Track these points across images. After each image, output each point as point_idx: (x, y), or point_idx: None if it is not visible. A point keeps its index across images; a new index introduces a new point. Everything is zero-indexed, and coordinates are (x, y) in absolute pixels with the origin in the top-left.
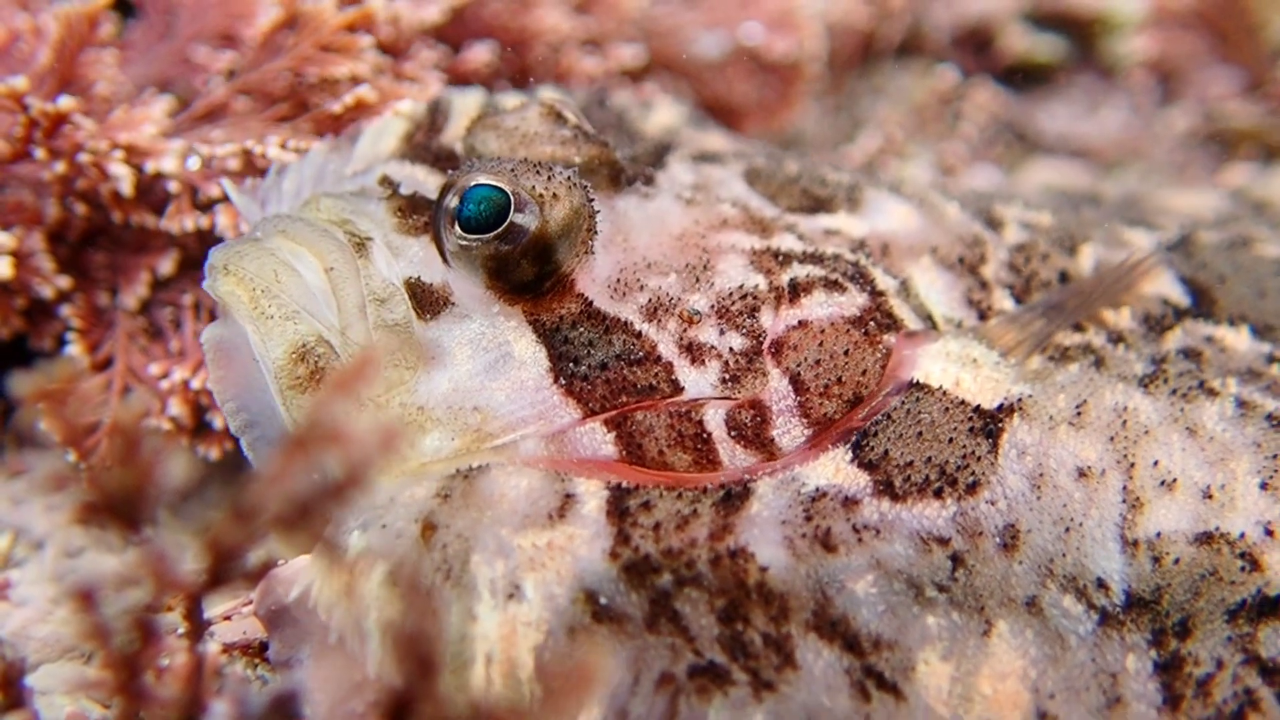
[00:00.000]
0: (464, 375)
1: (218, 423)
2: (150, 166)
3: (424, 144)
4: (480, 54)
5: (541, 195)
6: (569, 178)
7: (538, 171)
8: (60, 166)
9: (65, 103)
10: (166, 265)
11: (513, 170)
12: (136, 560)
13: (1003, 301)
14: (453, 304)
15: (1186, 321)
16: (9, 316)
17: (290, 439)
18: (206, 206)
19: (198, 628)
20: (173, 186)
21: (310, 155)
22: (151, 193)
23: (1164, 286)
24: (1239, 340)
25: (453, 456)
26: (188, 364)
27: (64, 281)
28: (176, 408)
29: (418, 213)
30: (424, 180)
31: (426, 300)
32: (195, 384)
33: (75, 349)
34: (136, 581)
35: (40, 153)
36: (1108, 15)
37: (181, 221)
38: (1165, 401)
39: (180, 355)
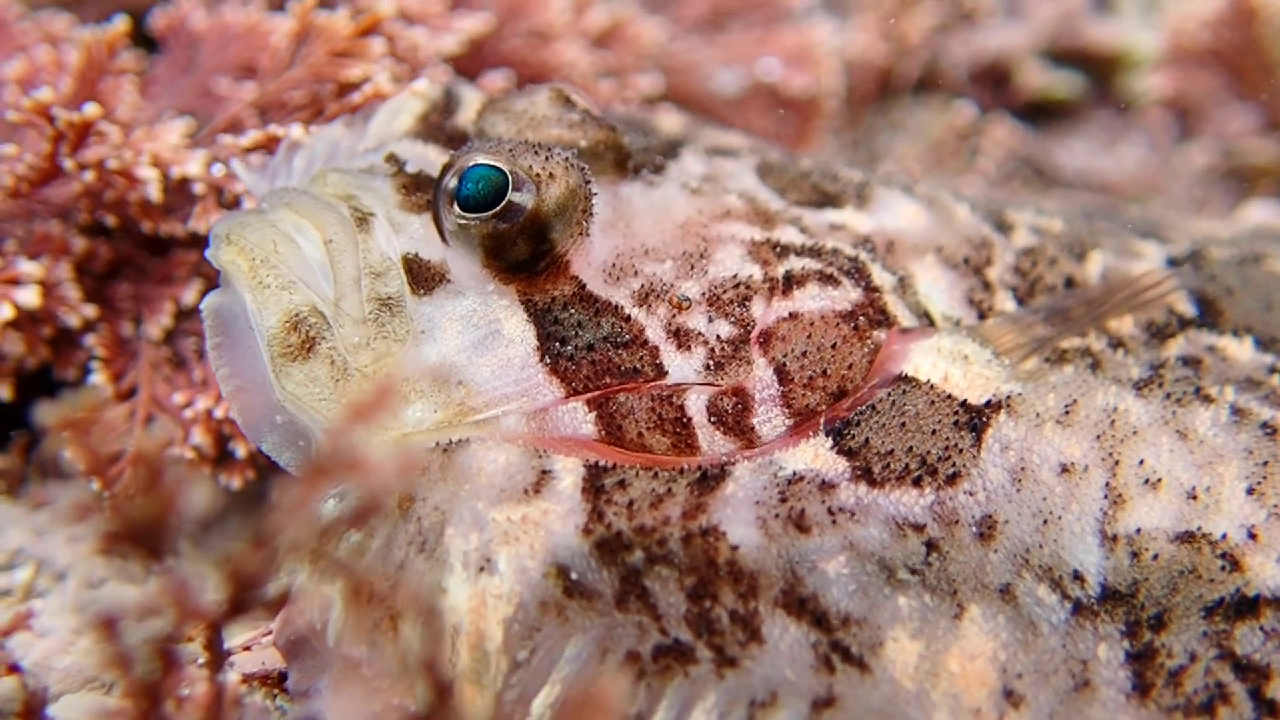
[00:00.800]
0: (452, 350)
1: (240, 451)
2: (176, 172)
3: (438, 124)
4: (495, 81)
5: (538, 175)
6: (567, 159)
7: (536, 152)
8: (89, 175)
9: (91, 110)
10: (190, 295)
11: (511, 151)
12: (158, 589)
13: (1005, 303)
14: (449, 281)
15: (1190, 331)
16: (36, 346)
17: (309, 468)
18: (233, 206)
19: (218, 657)
20: (198, 189)
21: (324, 133)
22: (177, 209)
23: (1171, 296)
24: (1241, 350)
25: (435, 429)
26: (211, 393)
27: (90, 311)
28: (199, 436)
29: (422, 191)
30: (434, 160)
31: (423, 276)
32: (219, 413)
33: (99, 378)
34: (158, 611)
35: (68, 164)
36: (1125, 53)
37: (209, 221)
38: (1158, 405)
39: (203, 384)
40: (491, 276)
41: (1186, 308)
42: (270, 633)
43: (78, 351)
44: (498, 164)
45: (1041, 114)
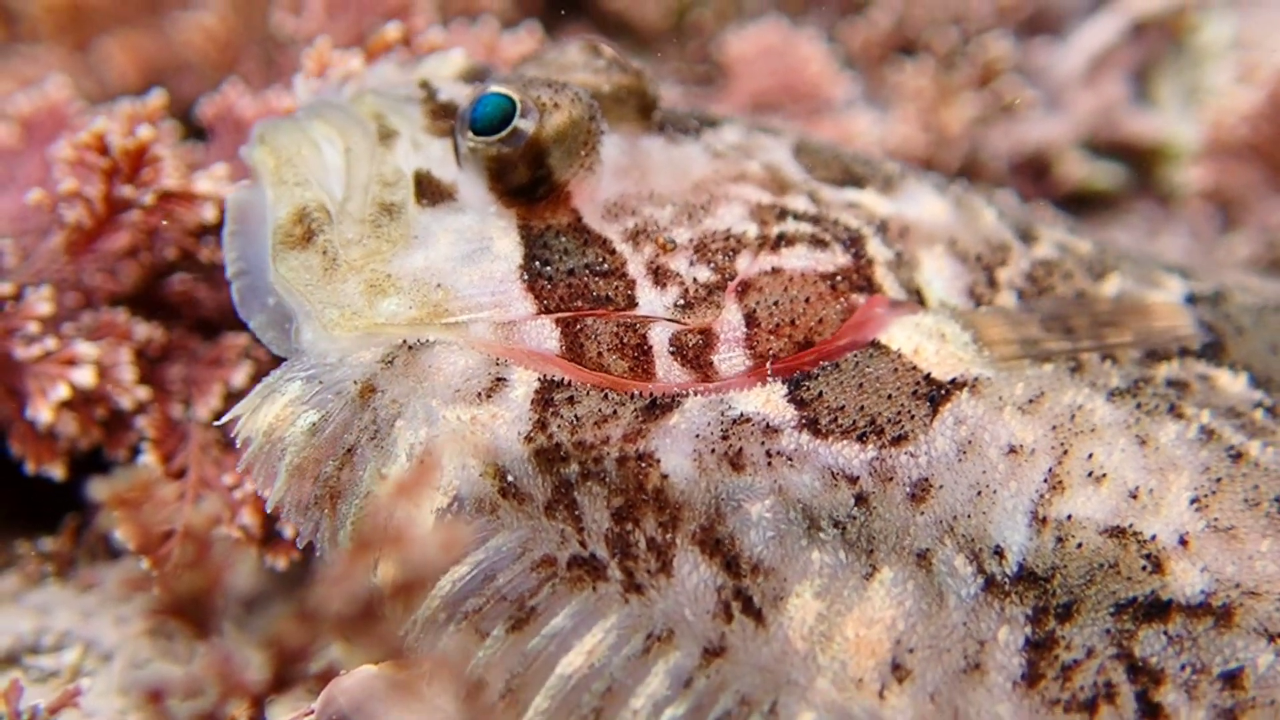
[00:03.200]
0: (439, 257)
1: (287, 531)
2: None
3: (479, 73)
4: None
5: (544, 104)
6: (575, 94)
7: (549, 85)
8: (148, 198)
9: (145, 133)
10: (239, 378)
11: (526, 83)
12: (203, 665)
13: (1007, 302)
14: (455, 199)
15: (1188, 359)
16: (89, 427)
17: (354, 542)
18: None
19: None
20: None
21: (376, 68)
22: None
23: (1179, 324)
24: (1233, 384)
25: (407, 324)
26: None
27: (142, 393)
28: (248, 517)
29: (448, 118)
30: (464, 93)
31: (431, 191)
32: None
33: (150, 459)
34: (202, 687)
35: (126, 190)
36: (1164, 145)
37: None
38: (1126, 411)
39: None
40: (495, 199)
41: (1189, 333)
42: (312, 712)
43: (129, 433)
44: (509, 92)
45: (1083, 205)
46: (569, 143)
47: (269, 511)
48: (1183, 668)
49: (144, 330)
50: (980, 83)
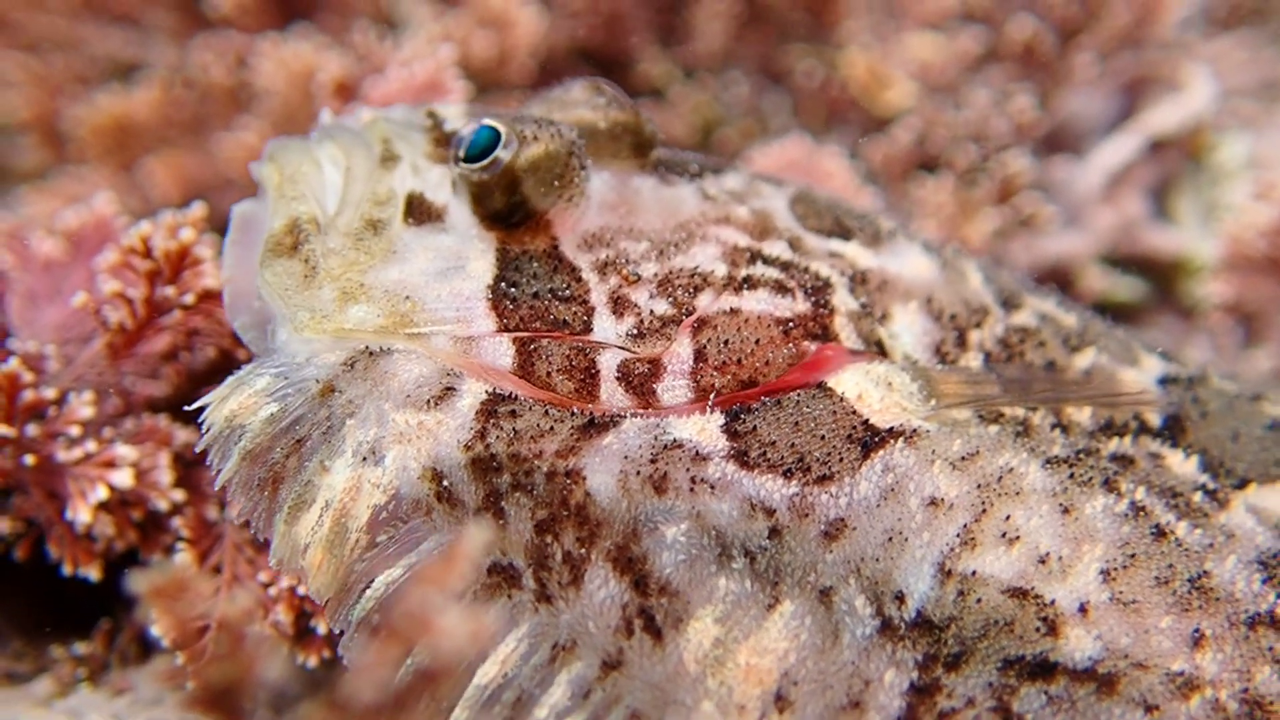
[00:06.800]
0: (414, 271)
1: (321, 629)
2: None
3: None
4: None
5: (525, 136)
6: (558, 131)
7: (536, 122)
8: (190, 298)
9: (187, 235)
10: None
11: (515, 118)
12: None
13: (972, 363)
14: (442, 222)
15: (1144, 437)
16: (125, 529)
17: (384, 629)
18: None
19: None
20: None
21: (395, 109)
22: None
23: (1142, 407)
24: (1183, 466)
25: (373, 331)
26: None
27: (178, 495)
28: (282, 614)
29: (449, 146)
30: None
31: (420, 212)
32: (302, 589)
33: (185, 558)
34: None
35: (169, 291)
36: (1184, 260)
37: None
38: (1057, 479)
39: None
40: (477, 223)
41: (1153, 418)
42: None
43: (164, 535)
44: (498, 125)
45: (1106, 316)
46: (543, 173)
47: (216, 488)
48: None
49: (184, 434)
50: (1000, 198)
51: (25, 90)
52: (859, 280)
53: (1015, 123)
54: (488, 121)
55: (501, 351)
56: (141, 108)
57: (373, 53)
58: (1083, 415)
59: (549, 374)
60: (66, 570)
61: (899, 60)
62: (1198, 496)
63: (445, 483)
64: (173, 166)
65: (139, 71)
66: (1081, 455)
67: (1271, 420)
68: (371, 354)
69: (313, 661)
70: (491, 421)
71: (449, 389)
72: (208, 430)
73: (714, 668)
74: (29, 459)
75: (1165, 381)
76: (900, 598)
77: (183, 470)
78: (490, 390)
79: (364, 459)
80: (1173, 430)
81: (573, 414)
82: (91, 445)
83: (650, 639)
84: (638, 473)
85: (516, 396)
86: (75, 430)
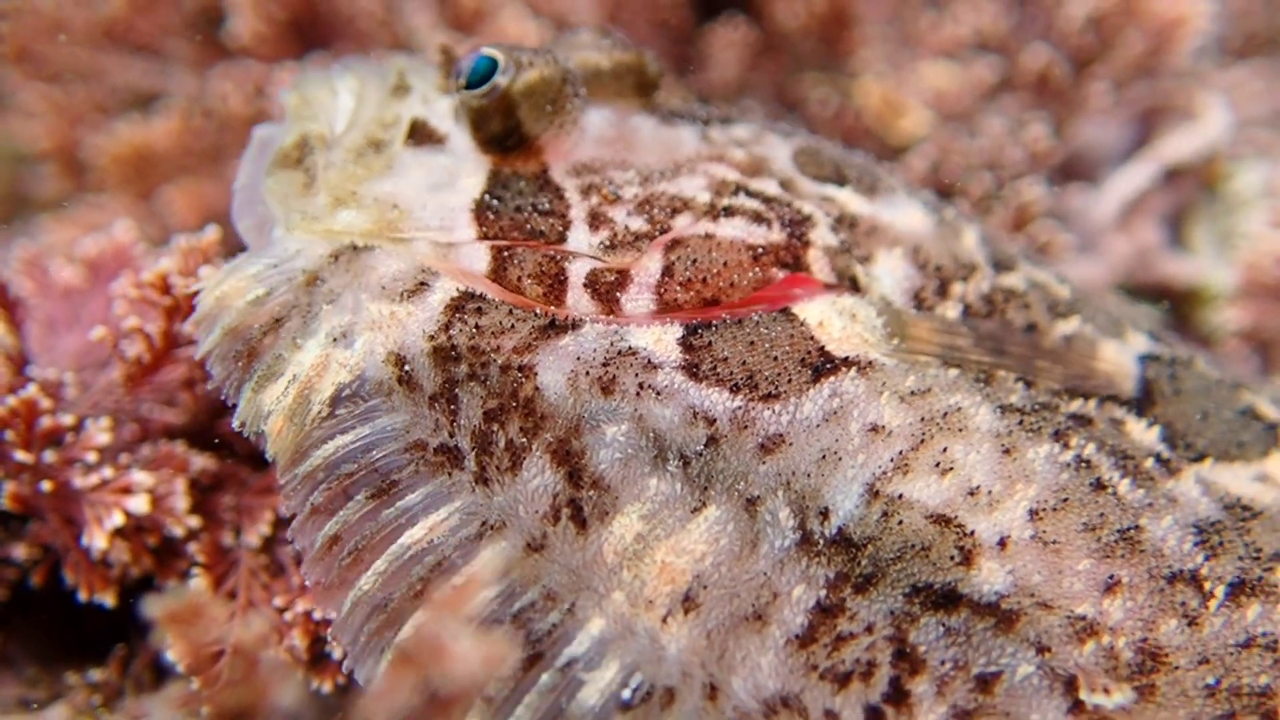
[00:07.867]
0: (406, 185)
1: (336, 653)
2: None
3: None
4: None
5: (520, 63)
6: (552, 59)
7: (534, 51)
8: None
9: (207, 274)
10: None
11: (513, 48)
12: None
13: (950, 313)
14: (442, 144)
15: (1109, 403)
16: (141, 555)
17: (400, 654)
18: None
19: None
20: None
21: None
22: None
23: (1125, 373)
24: (1144, 434)
25: (360, 234)
26: (310, 596)
27: (194, 521)
28: (297, 639)
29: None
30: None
31: (423, 136)
32: (318, 614)
33: (200, 584)
34: None
35: (188, 328)
36: (1200, 288)
37: None
38: (1006, 423)
39: (302, 589)
40: (475, 148)
41: (1126, 386)
42: None
43: (179, 560)
44: (496, 54)
45: None
46: (537, 98)
47: (197, 359)
48: (943, 662)
49: (200, 461)
50: (1015, 226)
51: (46, 120)
52: (845, 221)
53: (1030, 151)
54: (486, 50)
55: (478, 257)
56: (161, 137)
57: None
58: (1052, 374)
59: (519, 278)
60: (82, 596)
61: (913, 89)
62: (1149, 463)
63: (407, 368)
64: (192, 195)
65: (159, 101)
66: (1038, 408)
67: (1245, 407)
68: (356, 249)
69: (327, 687)
70: (457, 315)
71: (422, 284)
72: (199, 308)
73: (631, 561)
74: (46, 485)
75: (1146, 359)
76: (825, 513)
77: (199, 496)
78: (460, 288)
79: (335, 340)
80: (1144, 402)
81: (535, 315)
82: (108, 471)
83: (575, 528)
84: (588, 373)
85: (485, 296)
86: (92, 456)
